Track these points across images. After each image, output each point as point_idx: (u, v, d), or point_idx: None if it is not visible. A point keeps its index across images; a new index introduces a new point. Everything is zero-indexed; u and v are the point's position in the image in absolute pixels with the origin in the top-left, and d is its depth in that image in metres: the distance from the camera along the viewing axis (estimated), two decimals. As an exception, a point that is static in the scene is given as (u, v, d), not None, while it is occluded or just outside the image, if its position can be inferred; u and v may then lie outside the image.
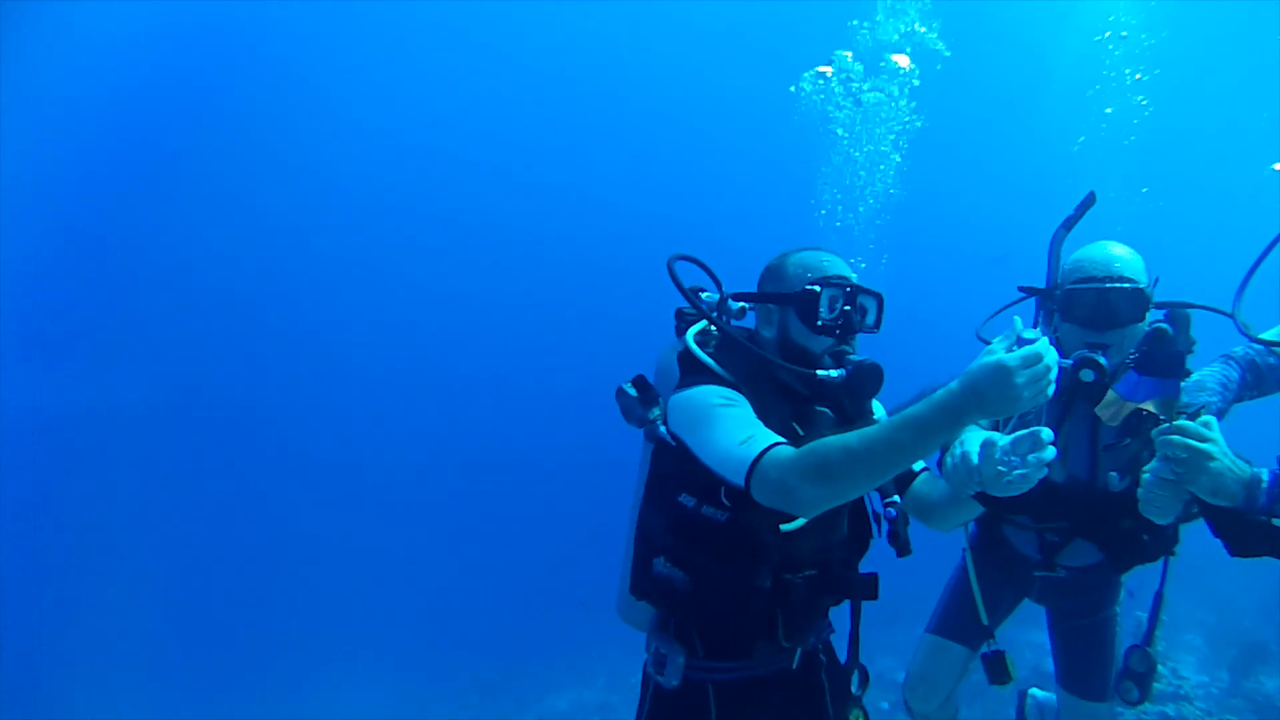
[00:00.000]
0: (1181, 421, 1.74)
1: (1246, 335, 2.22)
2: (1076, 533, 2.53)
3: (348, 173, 15.89)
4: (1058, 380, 2.15)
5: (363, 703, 9.14)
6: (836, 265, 1.96)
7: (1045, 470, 1.50)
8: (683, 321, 2.05)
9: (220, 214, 14.56)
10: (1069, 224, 2.56)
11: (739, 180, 17.55)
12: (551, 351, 15.54)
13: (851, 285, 1.91)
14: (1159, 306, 2.42)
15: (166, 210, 14.21)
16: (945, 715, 2.84)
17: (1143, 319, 2.36)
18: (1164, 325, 2.39)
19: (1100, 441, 2.44)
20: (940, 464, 1.72)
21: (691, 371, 1.83)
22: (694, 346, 1.84)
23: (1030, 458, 1.48)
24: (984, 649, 2.64)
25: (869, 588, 1.91)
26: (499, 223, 16.53)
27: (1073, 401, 2.43)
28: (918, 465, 2.01)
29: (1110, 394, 2.05)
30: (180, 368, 13.55)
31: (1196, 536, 2.51)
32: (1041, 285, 2.53)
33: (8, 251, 12.02)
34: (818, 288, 1.87)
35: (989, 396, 1.39)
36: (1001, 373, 1.39)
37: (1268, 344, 2.28)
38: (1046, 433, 1.49)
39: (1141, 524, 2.31)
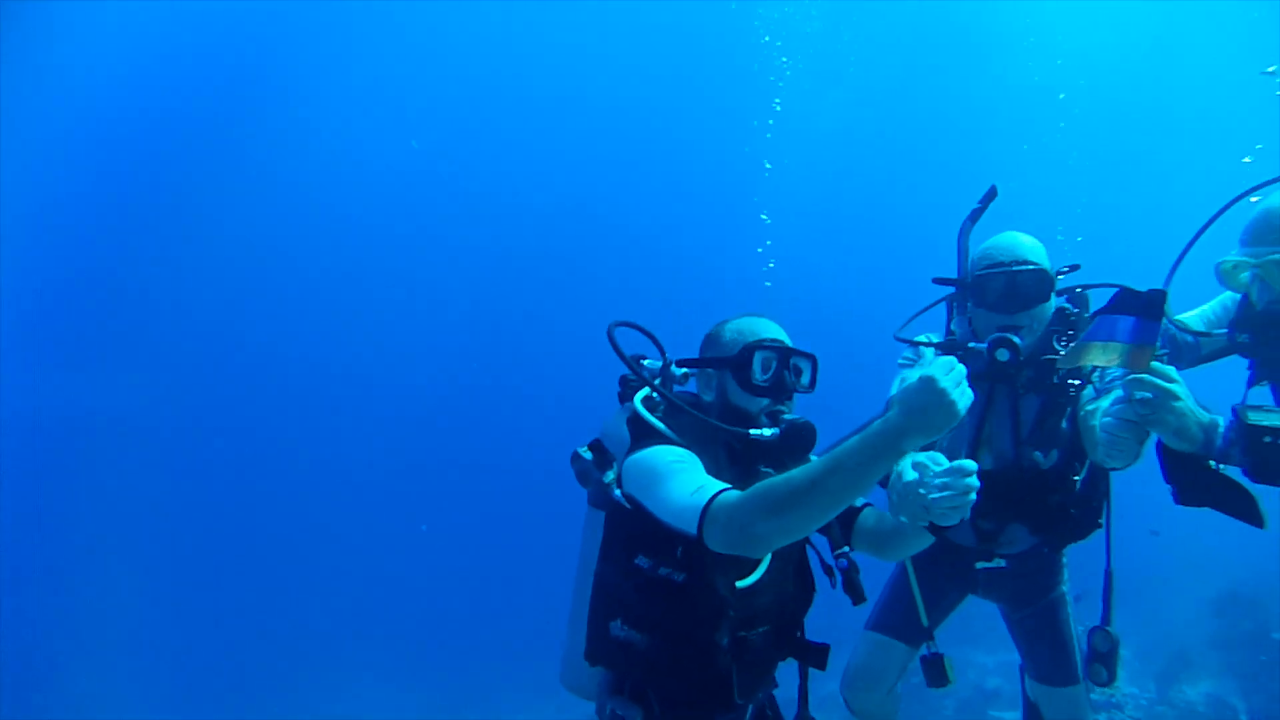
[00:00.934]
0: (1152, 364, 1.76)
1: (1167, 318, 2.31)
2: (1009, 516, 2.58)
3: (348, 175, 15.81)
4: (976, 365, 2.40)
5: (362, 703, 9.16)
6: (771, 329, 2.05)
7: (973, 496, 1.57)
8: (626, 388, 2.11)
9: (220, 216, 14.43)
10: (974, 217, 2.64)
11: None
12: (551, 355, 15.48)
13: (784, 347, 2.00)
14: (1060, 293, 2.54)
15: (167, 211, 14.08)
16: (886, 711, 2.85)
17: (1049, 299, 2.48)
18: (1067, 305, 2.53)
19: (1022, 424, 2.54)
20: (889, 502, 1.80)
21: (643, 435, 1.88)
22: (643, 410, 1.90)
23: (959, 483, 1.56)
24: (923, 650, 2.66)
25: (820, 654, 1.99)
26: (501, 226, 16.39)
27: (993, 387, 2.54)
28: (859, 502, 2.06)
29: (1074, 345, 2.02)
30: (180, 369, 13.42)
31: (1125, 557, 2.63)
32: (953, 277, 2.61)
33: (7, 252, 11.90)
34: (754, 349, 1.96)
35: (930, 410, 1.46)
36: (931, 384, 1.47)
37: (1182, 328, 2.45)
38: (970, 464, 1.57)
39: (1069, 499, 2.54)
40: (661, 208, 17.19)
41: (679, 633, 1.84)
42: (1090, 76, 14.23)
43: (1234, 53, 13.09)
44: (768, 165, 15.51)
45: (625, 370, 2.08)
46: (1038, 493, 2.52)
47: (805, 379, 2.04)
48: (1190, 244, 2.22)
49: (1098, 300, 2.55)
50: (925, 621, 2.66)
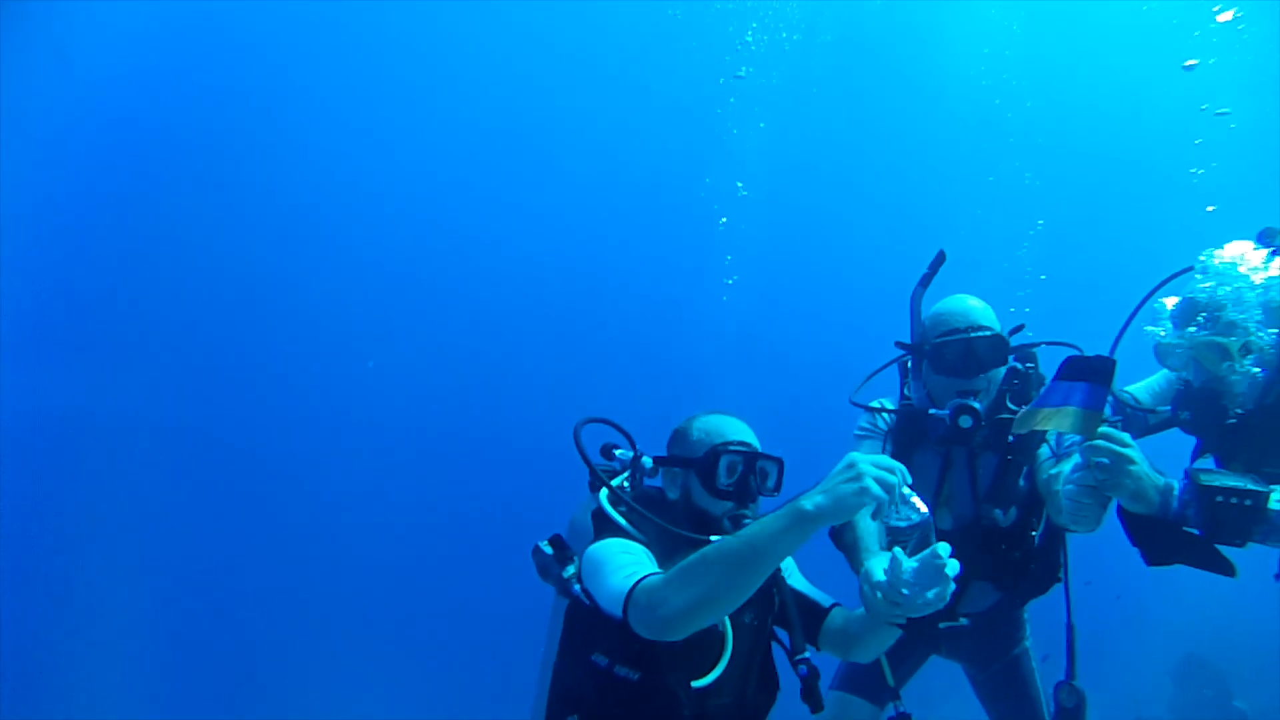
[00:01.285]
0: (1106, 429, 1.80)
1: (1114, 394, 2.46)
2: (971, 574, 2.55)
3: (348, 176, 15.68)
4: (937, 430, 2.48)
5: (362, 704, 9.17)
6: (739, 431, 2.03)
7: (953, 586, 1.57)
8: (594, 477, 2.07)
9: (221, 216, 14.33)
10: (925, 282, 2.69)
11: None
12: (553, 357, 15.29)
13: (751, 452, 1.97)
14: (1013, 351, 2.60)
15: (166, 212, 13.95)
16: None
17: (1005, 362, 2.53)
18: (1018, 365, 2.58)
19: (980, 482, 2.58)
20: (862, 599, 1.79)
21: (605, 529, 1.89)
22: (607, 506, 1.91)
23: (932, 592, 1.58)
24: (890, 710, 2.60)
25: None
26: (506, 229, 16.30)
27: (950, 450, 2.59)
28: (827, 603, 2.06)
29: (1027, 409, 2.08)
30: (179, 369, 13.18)
31: (1087, 620, 2.58)
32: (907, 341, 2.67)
33: (6, 252, 11.75)
34: (719, 453, 1.93)
35: (843, 494, 1.47)
36: (851, 469, 1.49)
37: (1130, 402, 2.55)
38: (944, 547, 1.58)
39: (1029, 554, 2.57)
40: (625, 235, 17.32)
41: None
42: (1044, 99, 14.71)
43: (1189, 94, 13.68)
44: (740, 187, 15.75)
45: (600, 459, 2.08)
46: (998, 550, 2.55)
47: (771, 482, 1.99)
48: (1129, 320, 2.38)
49: (1048, 357, 2.60)
50: (890, 681, 2.61)
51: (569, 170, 16.74)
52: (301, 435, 13.82)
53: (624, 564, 1.73)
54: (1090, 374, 1.80)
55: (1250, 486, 1.72)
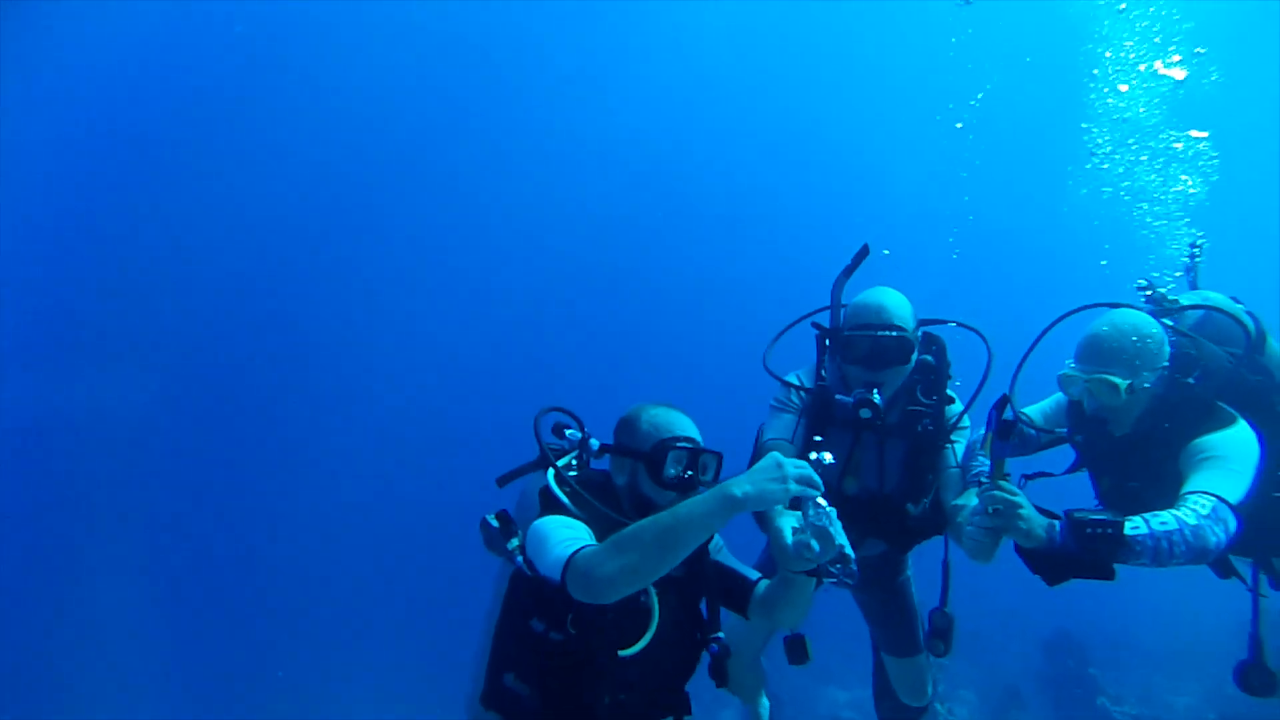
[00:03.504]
0: (1000, 483, 2.21)
1: (1014, 411, 2.78)
2: (867, 534, 2.91)
3: (348, 176, 15.33)
4: (845, 413, 2.76)
5: (362, 705, 9.17)
6: (685, 426, 2.19)
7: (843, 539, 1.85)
8: (544, 455, 2.23)
9: (220, 216, 13.97)
10: (847, 273, 2.93)
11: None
12: (550, 360, 15.39)
13: (696, 447, 2.14)
14: (926, 328, 2.88)
15: (165, 212, 13.62)
16: (752, 679, 3.16)
17: (909, 361, 2.76)
18: (928, 358, 2.84)
19: (887, 464, 2.86)
20: (778, 559, 2.05)
21: (550, 508, 2.07)
22: (554, 486, 2.09)
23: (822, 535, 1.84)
24: (787, 631, 2.82)
25: (685, 705, 2.20)
26: (506, 225, 16.15)
27: (859, 431, 2.84)
28: (754, 577, 2.26)
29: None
30: (178, 369, 12.98)
31: (969, 614, 2.99)
32: (826, 324, 2.93)
33: (6, 251, 11.63)
34: (667, 447, 2.11)
35: (767, 487, 1.72)
36: (776, 465, 1.75)
37: (1028, 423, 2.93)
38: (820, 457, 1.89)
39: (919, 519, 2.88)
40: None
41: (563, 691, 2.02)
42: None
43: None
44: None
45: (551, 439, 2.27)
46: (894, 516, 2.86)
47: (709, 475, 2.16)
48: (1028, 351, 2.76)
49: (957, 344, 2.95)
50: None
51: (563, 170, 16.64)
52: (301, 435, 13.64)
53: (564, 537, 1.89)
54: (999, 423, 2.23)
55: (1110, 518, 2.15)
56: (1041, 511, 2.24)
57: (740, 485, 1.72)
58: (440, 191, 16.10)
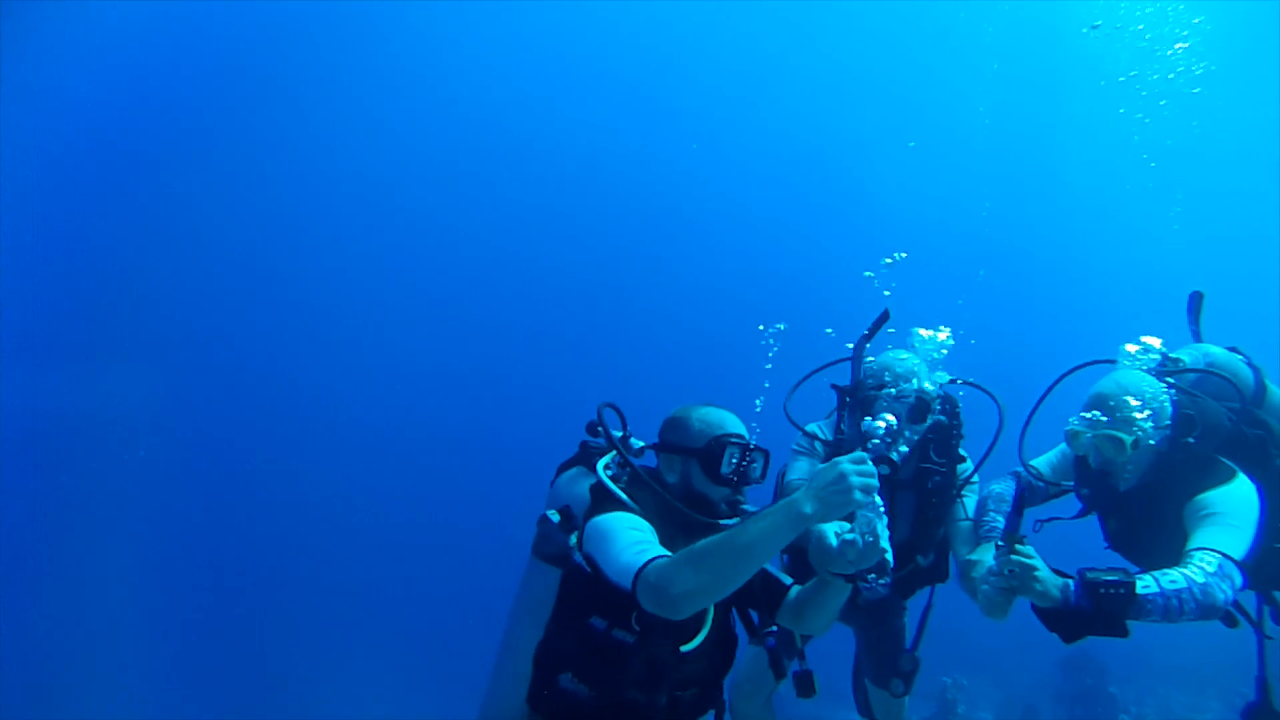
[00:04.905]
0: (1017, 546, 2.30)
1: (1023, 464, 2.99)
2: None
3: (348, 176, 15.46)
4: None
5: (359, 705, 9.14)
6: (735, 423, 2.26)
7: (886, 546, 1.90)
8: (587, 452, 2.30)
9: (220, 216, 14.08)
10: (867, 338, 3.10)
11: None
12: (552, 355, 15.38)
13: (748, 443, 2.21)
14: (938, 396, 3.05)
15: (165, 210, 13.67)
16: (765, 716, 3.29)
17: (925, 421, 2.94)
18: (941, 418, 3.00)
19: (898, 515, 2.94)
20: (815, 562, 2.11)
21: (605, 501, 2.08)
22: (608, 480, 2.11)
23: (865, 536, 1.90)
24: (795, 666, 2.93)
25: (723, 702, 2.26)
26: (507, 226, 16.24)
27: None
28: (787, 581, 2.32)
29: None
30: (177, 369, 12.96)
31: (986, 633, 3.06)
32: (847, 382, 3.08)
33: (6, 251, 11.51)
34: (723, 444, 2.16)
35: (832, 493, 1.73)
36: (834, 469, 1.75)
37: (1036, 476, 3.05)
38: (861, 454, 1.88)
39: (927, 567, 3.04)
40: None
41: (623, 690, 2.02)
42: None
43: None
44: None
45: (587, 436, 2.31)
46: (902, 566, 2.95)
47: (756, 472, 2.22)
48: (1033, 410, 2.92)
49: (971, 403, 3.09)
50: (799, 643, 2.96)
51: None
52: (300, 434, 13.63)
53: (634, 540, 1.90)
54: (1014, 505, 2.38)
55: (1122, 578, 2.23)
56: (1055, 571, 2.33)
57: (808, 502, 1.73)
58: (439, 192, 16.16)
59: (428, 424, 14.36)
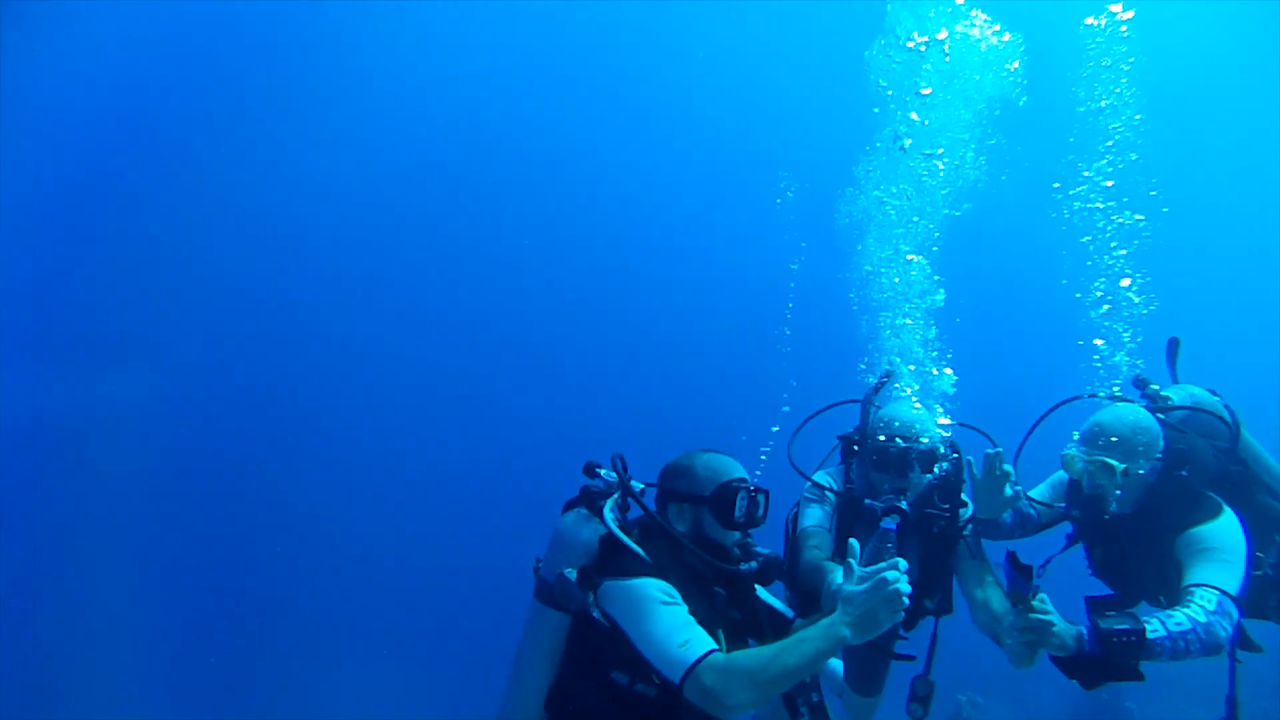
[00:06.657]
0: (1034, 604, 2.41)
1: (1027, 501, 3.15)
2: None
3: (347, 175, 15.37)
4: (873, 516, 2.96)
5: (359, 706, 9.23)
6: (738, 467, 2.29)
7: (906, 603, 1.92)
8: (588, 496, 2.24)
9: (219, 215, 14.12)
10: (876, 390, 3.28)
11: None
12: (556, 356, 15.25)
13: (754, 486, 2.24)
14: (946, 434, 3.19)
15: (166, 211, 13.73)
16: None
17: (932, 470, 3.04)
18: (945, 465, 3.09)
19: (906, 558, 2.98)
20: (829, 601, 2.17)
21: (617, 554, 2.07)
22: (618, 531, 2.08)
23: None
24: (813, 697, 3.01)
25: None
26: (506, 226, 16.19)
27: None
28: (790, 614, 2.39)
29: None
30: (176, 369, 13.00)
31: (1001, 651, 2.94)
32: (852, 430, 3.22)
33: (6, 251, 11.70)
34: (732, 489, 2.19)
35: (861, 616, 1.84)
36: (881, 586, 1.84)
37: (1032, 503, 3.22)
38: (902, 563, 1.94)
39: (933, 604, 3.13)
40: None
41: None
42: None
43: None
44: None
45: (586, 480, 2.27)
46: (916, 601, 2.97)
47: (760, 512, 2.25)
48: (1023, 441, 3.10)
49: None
50: (807, 678, 2.99)
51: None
52: (302, 436, 13.62)
53: (675, 623, 1.93)
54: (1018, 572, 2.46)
55: (1132, 626, 2.36)
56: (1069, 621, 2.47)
57: (850, 625, 1.86)
58: (441, 192, 16.11)
59: (428, 426, 14.31)
